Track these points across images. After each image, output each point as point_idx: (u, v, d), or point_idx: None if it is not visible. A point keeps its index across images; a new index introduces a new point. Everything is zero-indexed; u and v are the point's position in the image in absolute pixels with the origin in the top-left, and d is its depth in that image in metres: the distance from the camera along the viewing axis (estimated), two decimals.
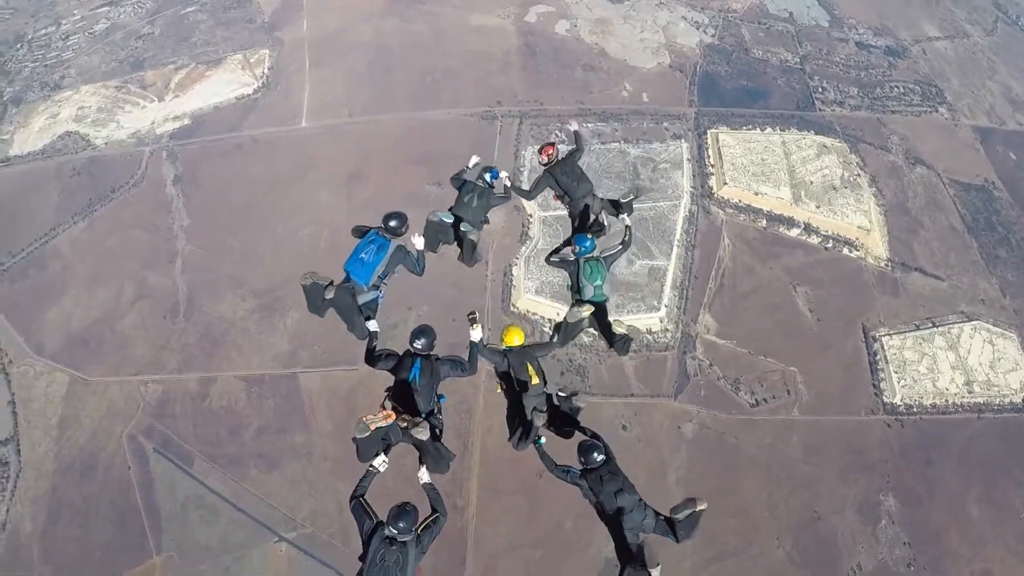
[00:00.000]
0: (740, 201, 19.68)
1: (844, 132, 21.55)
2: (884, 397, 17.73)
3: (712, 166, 20.16)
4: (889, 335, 18.48)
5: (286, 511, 15.84)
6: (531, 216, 18.86)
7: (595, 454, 7.52)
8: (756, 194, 19.62)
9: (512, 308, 17.83)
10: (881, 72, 23.53)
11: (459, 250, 10.29)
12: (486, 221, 10.62)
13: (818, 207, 19.71)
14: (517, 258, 18.34)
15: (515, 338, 8.76)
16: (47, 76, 22.10)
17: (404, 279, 18.01)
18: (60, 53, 22.73)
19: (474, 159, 10.77)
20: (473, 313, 8.38)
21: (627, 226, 10.17)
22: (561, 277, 18.10)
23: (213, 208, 19.28)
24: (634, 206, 10.92)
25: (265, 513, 15.87)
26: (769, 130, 20.97)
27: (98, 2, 23.70)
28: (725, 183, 19.66)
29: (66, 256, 18.94)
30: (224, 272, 18.37)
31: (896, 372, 17.96)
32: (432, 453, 7.78)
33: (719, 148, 20.23)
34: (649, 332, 17.80)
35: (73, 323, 17.90)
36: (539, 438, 8.16)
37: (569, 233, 10.88)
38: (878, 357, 18.21)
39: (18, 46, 23.37)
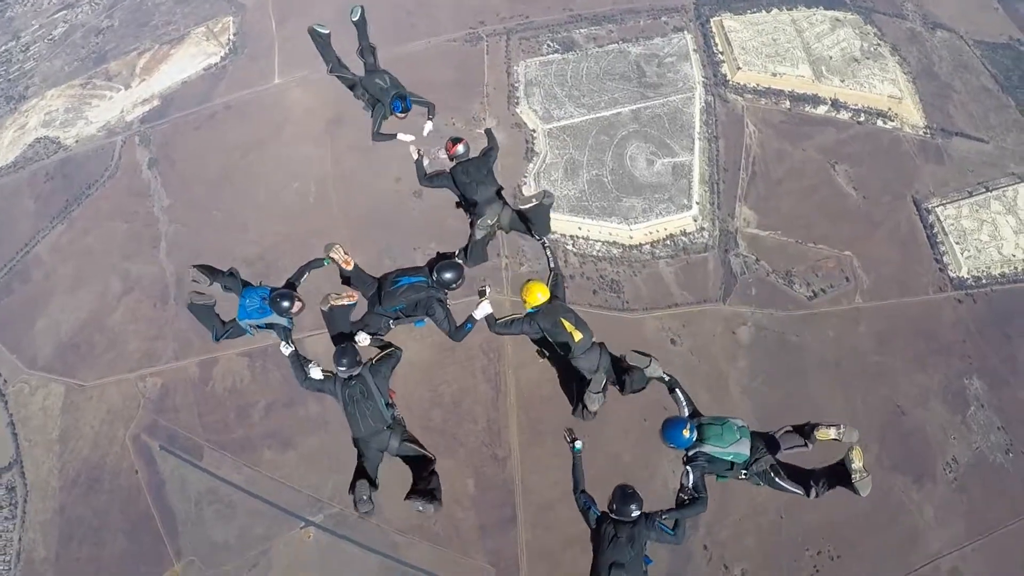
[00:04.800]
0: (758, 85, 16.16)
1: (854, 4, 17.85)
2: (949, 272, 14.61)
3: (721, 54, 16.61)
4: (943, 205, 15.24)
5: (309, 491, 13.00)
6: (534, 131, 15.32)
7: (632, 507, 5.43)
8: (774, 75, 16.10)
9: None
10: None
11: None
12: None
13: (843, 81, 16.21)
14: (525, 176, 14.85)
15: (538, 294, 6.21)
16: (11, 90, 18.91)
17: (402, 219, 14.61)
18: (22, 64, 19.47)
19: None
20: (484, 286, 6.55)
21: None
22: (576, 189, 14.57)
23: (192, 184, 15.99)
24: (551, 215, 7.48)
25: (286, 498, 13.01)
26: (775, 11, 17.23)
27: (54, 8, 20.36)
28: (739, 68, 16.13)
29: (47, 263, 15.79)
30: (211, 246, 15.09)
31: (958, 243, 14.76)
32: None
33: (726, 34, 16.62)
34: (684, 233, 14.22)
35: (62, 330, 14.86)
36: (575, 444, 6.01)
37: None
38: (935, 230, 14.99)
39: None
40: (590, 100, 15.53)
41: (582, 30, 16.70)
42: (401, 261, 13.59)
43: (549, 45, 16.19)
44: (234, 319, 6.74)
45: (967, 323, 14.02)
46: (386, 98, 7.96)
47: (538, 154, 15.02)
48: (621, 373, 6.18)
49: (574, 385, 6.38)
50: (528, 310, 6.27)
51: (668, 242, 14.31)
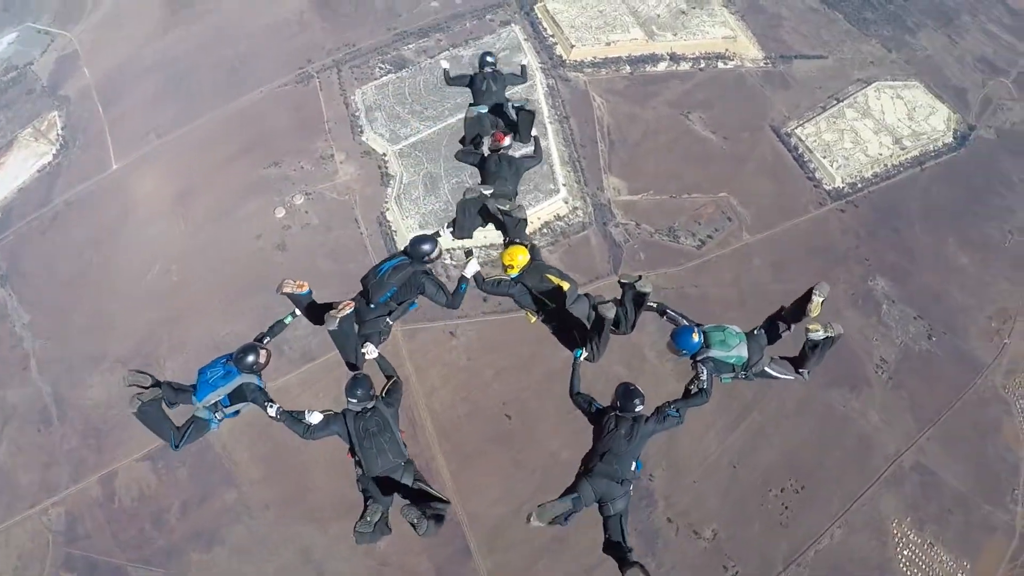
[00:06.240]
0: (595, 57, 16.04)
1: None
2: (825, 186, 14.68)
3: (552, 36, 16.45)
4: (801, 125, 15.42)
5: None
6: (385, 155, 14.68)
7: (636, 402, 5.57)
8: (608, 45, 16.04)
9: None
10: None
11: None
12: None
13: (675, 34, 16.28)
14: (386, 202, 14.14)
15: (519, 256, 6.24)
16: None
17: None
18: None
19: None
20: (469, 248, 7.01)
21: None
22: (441, 202, 13.93)
23: (48, 292, 14.69)
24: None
25: None
26: None
27: None
28: (572, 46, 15.97)
29: None
30: (81, 353, 13.78)
31: (825, 157, 14.88)
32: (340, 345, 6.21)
33: (552, 17, 16.48)
34: (558, 218, 13.76)
35: None
36: (579, 349, 6.17)
37: None
38: (800, 151, 15.11)
39: None
40: (434, 111, 15.01)
41: (410, 46, 16.25)
42: (273, 311, 12.74)
43: (381, 67, 15.66)
44: (191, 416, 5.92)
45: (855, 229, 14.07)
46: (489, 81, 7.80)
47: (394, 176, 14.36)
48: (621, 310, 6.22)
49: (575, 333, 6.40)
50: (512, 275, 6.21)
51: (545, 230, 13.84)
